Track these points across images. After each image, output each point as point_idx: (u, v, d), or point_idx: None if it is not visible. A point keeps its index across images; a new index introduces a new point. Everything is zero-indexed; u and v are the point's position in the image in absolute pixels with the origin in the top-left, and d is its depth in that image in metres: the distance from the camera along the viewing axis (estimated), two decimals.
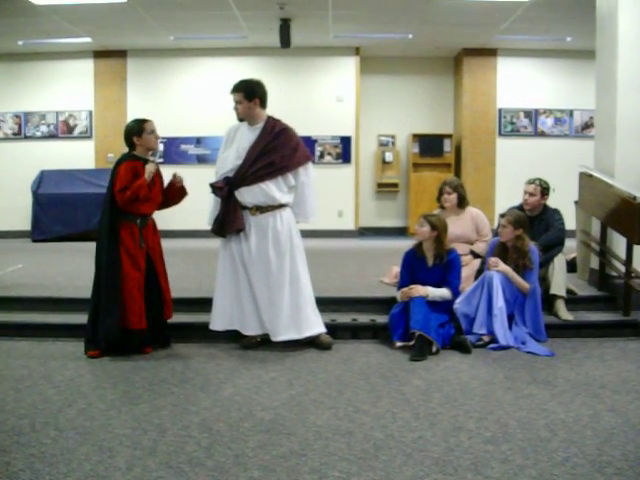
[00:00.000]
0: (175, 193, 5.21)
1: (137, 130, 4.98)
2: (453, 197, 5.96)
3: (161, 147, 11.66)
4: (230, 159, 5.08)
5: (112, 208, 4.88)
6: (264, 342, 5.13)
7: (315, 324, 5.15)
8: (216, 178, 5.13)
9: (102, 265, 4.89)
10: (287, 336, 5.04)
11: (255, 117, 5.10)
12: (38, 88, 12.32)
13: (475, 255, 5.91)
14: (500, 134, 12.47)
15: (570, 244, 6.32)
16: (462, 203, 5.99)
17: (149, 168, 4.92)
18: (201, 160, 12.12)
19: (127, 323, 4.82)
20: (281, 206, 5.07)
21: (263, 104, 5.13)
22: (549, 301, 5.69)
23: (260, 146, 5.02)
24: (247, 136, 5.09)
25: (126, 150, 5.09)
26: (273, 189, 5.02)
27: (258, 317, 5.08)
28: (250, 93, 5.05)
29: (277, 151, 5.02)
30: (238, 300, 5.11)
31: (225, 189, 5.01)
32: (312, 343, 5.17)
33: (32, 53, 12.08)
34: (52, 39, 11.28)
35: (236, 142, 5.13)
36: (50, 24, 10.31)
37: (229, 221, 5.03)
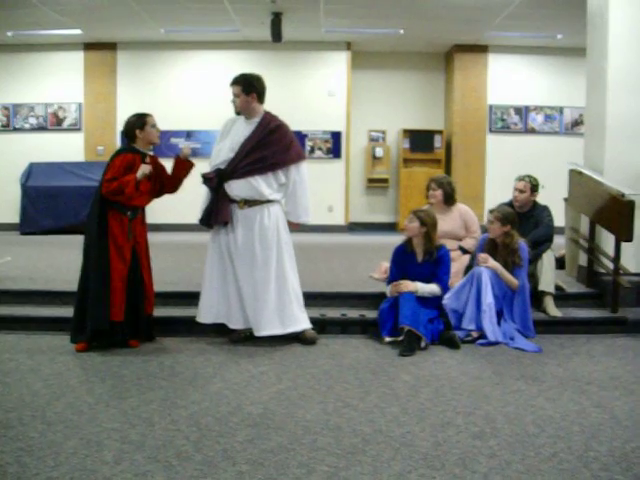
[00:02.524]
0: (182, 166, 5.17)
1: (140, 123, 4.99)
2: (438, 193, 5.99)
3: None
4: (223, 151, 5.08)
5: (103, 198, 4.88)
6: (253, 336, 5.12)
7: (300, 320, 5.15)
8: (210, 169, 5.12)
9: (91, 254, 4.89)
10: (270, 331, 5.04)
11: (252, 111, 5.10)
12: (27, 80, 12.24)
13: (464, 251, 5.93)
14: (490, 130, 12.51)
15: (559, 241, 6.35)
16: (449, 200, 6.02)
17: (143, 169, 4.90)
18: (191, 154, 12.08)
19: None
20: (269, 201, 5.07)
21: (261, 99, 5.13)
22: (538, 297, 5.71)
23: (253, 141, 5.02)
24: (242, 130, 5.09)
25: (117, 143, 5.09)
26: (262, 184, 5.02)
27: (243, 311, 5.08)
28: (248, 87, 5.05)
29: (269, 147, 5.02)
30: (225, 293, 5.11)
31: (215, 180, 5.02)
32: (297, 338, 5.17)
33: (22, 44, 12.01)
34: (42, 31, 11.22)
35: (231, 135, 5.13)
36: (40, 15, 10.25)
37: (215, 212, 5.04)
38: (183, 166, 5.18)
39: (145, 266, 5.09)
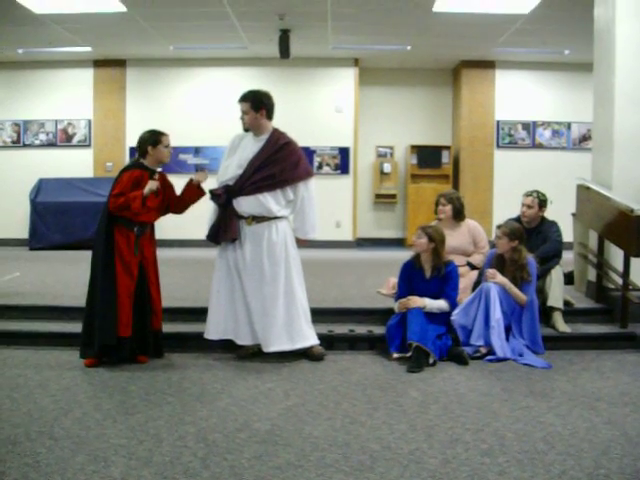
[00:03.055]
0: (192, 193, 5.16)
1: (153, 141, 4.98)
2: (448, 209, 5.99)
3: None
4: (231, 168, 5.08)
5: (110, 214, 4.89)
6: (260, 352, 5.11)
7: (308, 336, 5.13)
8: (217, 185, 5.13)
9: (98, 269, 4.90)
10: (279, 347, 5.02)
11: (261, 128, 5.10)
12: (37, 96, 12.36)
13: (472, 267, 5.92)
14: (498, 146, 12.52)
15: (567, 256, 6.32)
16: (458, 215, 6.01)
17: (150, 185, 4.90)
18: (199, 170, 12.12)
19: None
20: (277, 217, 5.07)
21: (270, 116, 5.13)
22: (546, 313, 5.69)
23: (262, 158, 5.02)
24: (251, 146, 5.09)
25: (126, 159, 5.09)
26: (270, 201, 5.02)
27: (251, 327, 5.07)
28: (257, 104, 5.05)
29: (278, 164, 5.02)
30: (232, 309, 5.10)
31: (223, 197, 5.02)
32: (304, 354, 5.16)
33: (32, 61, 12.13)
34: (52, 48, 11.33)
35: (239, 151, 5.13)
36: (50, 33, 10.35)
37: (224, 229, 5.03)
38: (194, 193, 5.17)
39: (153, 282, 5.08)
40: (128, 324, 4.85)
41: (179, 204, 5.23)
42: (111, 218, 4.90)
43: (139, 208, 4.85)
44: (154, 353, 5.09)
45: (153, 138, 5.00)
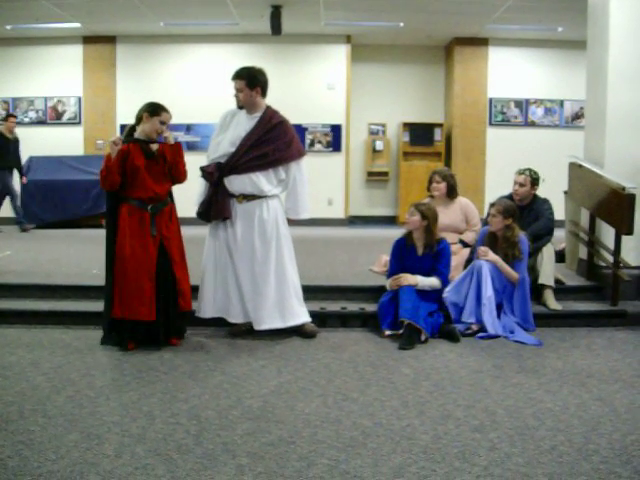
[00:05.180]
0: (168, 151, 4.84)
1: (152, 110, 4.77)
2: (442, 186, 5.99)
3: None
4: (223, 145, 5.03)
5: (113, 194, 4.77)
6: (253, 330, 5.12)
7: (300, 314, 5.13)
8: (207, 162, 5.09)
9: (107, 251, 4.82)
10: (270, 325, 5.02)
11: (255, 106, 5.05)
12: (27, 73, 12.23)
13: (464, 244, 5.93)
14: (490, 124, 12.49)
15: (559, 234, 6.34)
16: (451, 193, 6.01)
17: (111, 139, 4.70)
18: (191, 147, 12.06)
19: (136, 314, 4.65)
20: (268, 196, 5.05)
21: (264, 93, 5.07)
22: (538, 291, 5.71)
23: (255, 136, 4.97)
24: (243, 124, 5.04)
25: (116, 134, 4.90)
26: (262, 181, 4.99)
27: (242, 305, 5.07)
28: (252, 81, 4.99)
29: (271, 143, 4.98)
30: (224, 288, 5.09)
31: (215, 175, 4.98)
32: (297, 331, 5.17)
33: (21, 38, 11.99)
34: (41, 24, 11.20)
35: (232, 128, 5.07)
36: (39, 9, 10.23)
37: (216, 208, 5.00)
38: (170, 149, 4.85)
39: (177, 261, 4.87)
40: (152, 308, 4.67)
41: (171, 171, 4.90)
42: (112, 198, 4.77)
43: (105, 170, 4.62)
44: (178, 335, 4.96)
45: (153, 108, 4.79)
